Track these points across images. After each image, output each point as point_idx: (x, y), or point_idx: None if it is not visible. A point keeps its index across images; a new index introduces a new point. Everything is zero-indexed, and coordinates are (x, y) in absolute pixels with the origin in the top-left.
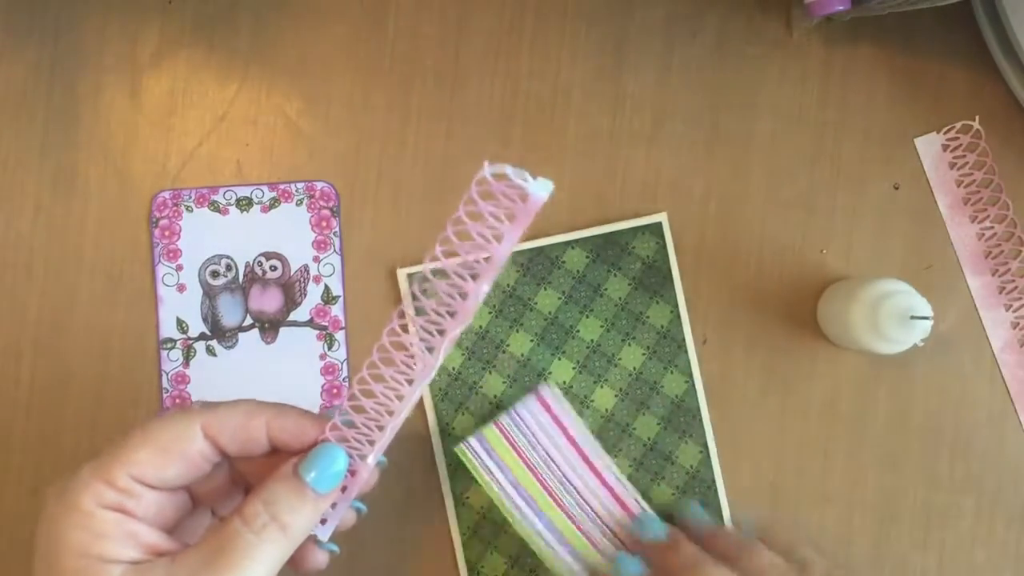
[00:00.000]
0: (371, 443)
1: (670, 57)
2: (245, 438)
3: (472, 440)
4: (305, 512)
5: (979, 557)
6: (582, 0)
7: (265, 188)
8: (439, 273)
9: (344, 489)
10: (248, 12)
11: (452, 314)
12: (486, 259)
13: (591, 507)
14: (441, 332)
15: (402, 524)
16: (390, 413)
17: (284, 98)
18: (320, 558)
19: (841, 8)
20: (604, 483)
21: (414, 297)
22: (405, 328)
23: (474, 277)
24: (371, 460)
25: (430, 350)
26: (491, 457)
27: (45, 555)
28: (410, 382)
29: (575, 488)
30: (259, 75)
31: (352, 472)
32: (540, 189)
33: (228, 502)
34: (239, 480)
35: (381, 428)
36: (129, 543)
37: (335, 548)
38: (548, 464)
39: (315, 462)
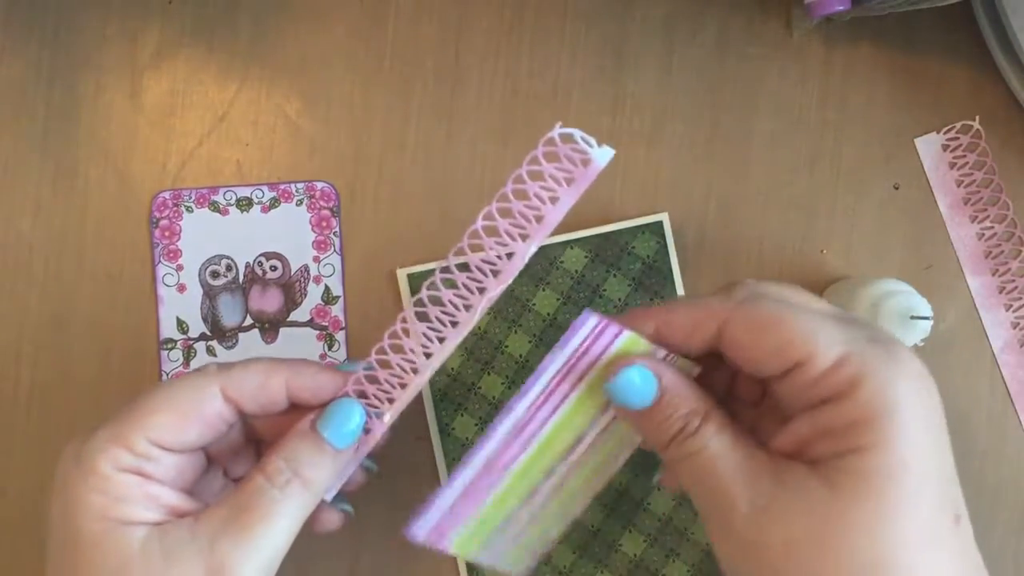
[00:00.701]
0: (391, 401)
1: (670, 57)
2: (265, 398)
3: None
4: (325, 467)
5: None
6: (582, 0)
7: (265, 188)
8: (488, 230)
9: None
10: (248, 13)
11: (496, 273)
12: (537, 219)
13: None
14: (482, 291)
15: (402, 524)
16: (415, 371)
17: (284, 98)
18: (333, 518)
19: (841, 8)
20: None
21: (460, 251)
22: (448, 284)
23: (523, 237)
24: (387, 419)
25: (467, 308)
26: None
27: (62, 519)
28: (441, 340)
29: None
30: (259, 75)
31: (367, 430)
32: (602, 156)
33: (240, 459)
34: (251, 436)
35: (404, 386)
36: (150, 505)
37: (349, 508)
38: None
39: (331, 418)
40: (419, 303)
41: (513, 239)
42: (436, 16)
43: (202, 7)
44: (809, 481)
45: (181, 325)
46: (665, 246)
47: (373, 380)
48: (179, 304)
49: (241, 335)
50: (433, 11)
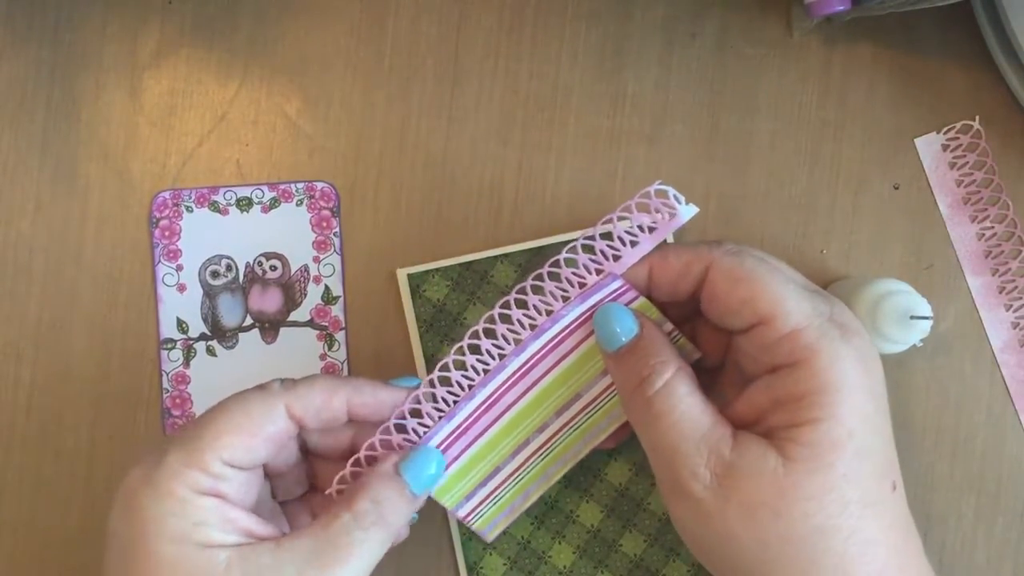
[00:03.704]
0: (441, 417)
1: (670, 57)
2: (328, 415)
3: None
4: (404, 512)
5: (979, 557)
6: (582, 0)
7: (265, 188)
8: (570, 262)
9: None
10: (248, 12)
11: (566, 300)
12: (615, 258)
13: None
14: (549, 313)
15: None
16: (471, 387)
17: (284, 98)
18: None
19: (841, 8)
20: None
21: (540, 277)
22: (519, 304)
23: (599, 272)
24: (434, 442)
25: (532, 328)
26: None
27: (132, 543)
28: (502, 356)
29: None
30: (259, 75)
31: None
32: (687, 212)
33: (292, 471)
34: (302, 448)
35: (456, 403)
36: (228, 528)
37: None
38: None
39: (413, 465)
40: (490, 320)
41: (589, 272)
42: (436, 16)
43: (202, 6)
44: (767, 453)
45: (181, 325)
46: None
47: (430, 398)
48: (179, 304)
49: (241, 335)
50: (433, 11)
